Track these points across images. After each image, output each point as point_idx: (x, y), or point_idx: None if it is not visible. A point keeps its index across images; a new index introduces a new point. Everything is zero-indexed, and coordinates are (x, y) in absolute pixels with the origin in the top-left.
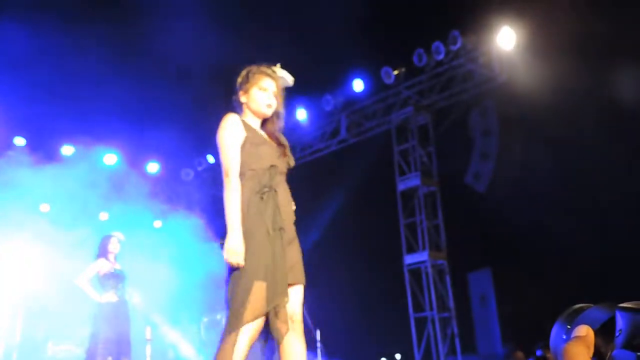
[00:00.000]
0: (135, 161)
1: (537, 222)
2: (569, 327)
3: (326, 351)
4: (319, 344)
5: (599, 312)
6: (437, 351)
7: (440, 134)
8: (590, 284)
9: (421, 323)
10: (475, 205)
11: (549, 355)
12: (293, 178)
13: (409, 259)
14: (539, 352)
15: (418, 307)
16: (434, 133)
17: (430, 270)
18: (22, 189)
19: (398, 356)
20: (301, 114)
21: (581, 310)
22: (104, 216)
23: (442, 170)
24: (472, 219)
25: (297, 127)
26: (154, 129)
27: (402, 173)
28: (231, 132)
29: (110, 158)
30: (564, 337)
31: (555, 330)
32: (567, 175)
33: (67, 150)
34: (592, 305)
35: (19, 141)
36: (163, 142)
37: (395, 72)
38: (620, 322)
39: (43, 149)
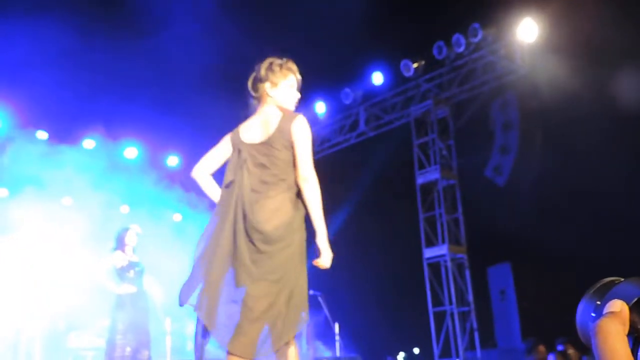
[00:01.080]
0: (155, 154)
1: (558, 215)
2: (598, 303)
3: (344, 345)
4: (337, 338)
5: (632, 287)
6: (456, 345)
7: (460, 127)
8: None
9: (440, 317)
10: (495, 199)
11: (570, 351)
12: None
13: (428, 253)
14: (560, 347)
15: (437, 301)
16: (453, 126)
17: (449, 264)
18: (44, 181)
19: (417, 350)
20: (320, 107)
21: (611, 284)
22: (124, 209)
23: (461, 163)
24: (492, 212)
25: (316, 121)
26: (174, 122)
27: (422, 166)
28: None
29: (131, 151)
30: (594, 314)
31: (582, 307)
32: (589, 168)
33: (88, 143)
34: (621, 279)
35: (42, 135)
36: (183, 136)
37: (415, 65)
38: None
39: (65, 142)
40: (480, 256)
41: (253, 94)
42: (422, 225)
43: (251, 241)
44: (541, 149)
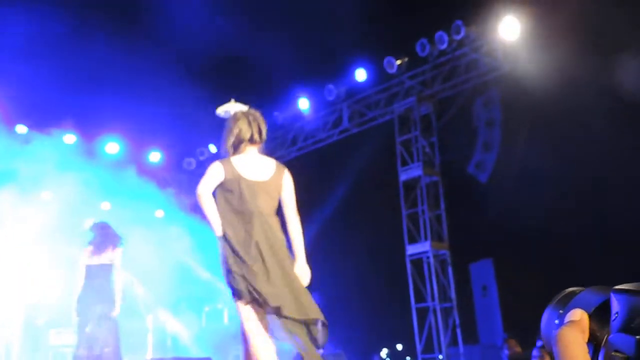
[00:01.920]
0: (137, 150)
1: (539, 212)
2: (561, 312)
3: (328, 341)
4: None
5: (592, 296)
6: (439, 341)
7: (443, 124)
8: (592, 274)
9: (423, 313)
10: (477, 196)
11: None
12: (295, 168)
13: (411, 249)
14: (540, 343)
15: (420, 298)
16: (436, 123)
17: (432, 260)
18: (23, 177)
19: (400, 346)
20: (303, 104)
21: (573, 294)
22: (105, 206)
23: (444, 160)
24: (474, 209)
25: (300, 117)
26: (156, 118)
27: (405, 163)
28: None
29: (112, 147)
30: (557, 322)
31: (546, 316)
32: (571, 166)
33: (69, 138)
34: (584, 288)
35: (21, 129)
36: (165, 131)
37: (398, 62)
38: (616, 305)
39: (45, 137)
40: (462, 252)
41: (260, 140)
42: (404, 221)
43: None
44: (524, 146)
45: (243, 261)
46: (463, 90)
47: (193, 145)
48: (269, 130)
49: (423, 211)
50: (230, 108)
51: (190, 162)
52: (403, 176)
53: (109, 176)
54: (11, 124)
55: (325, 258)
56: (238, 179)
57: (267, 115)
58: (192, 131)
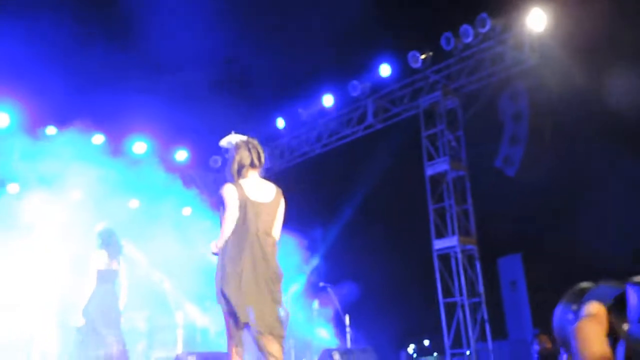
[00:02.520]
0: (164, 149)
1: (568, 206)
2: (574, 307)
3: (355, 336)
4: (348, 329)
5: (607, 289)
6: (467, 336)
7: (469, 118)
8: (621, 269)
9: (451, 308)
10: (505, 190)
11: None
12: (320, 165)
13: (438, 244)
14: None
15: (447, 293)
16: (462, 117)
17: (459, 255)
18: (52, 177)
19: (427, 342)
20: (327, 100)
21: (586, 289)
22: (134, 204)
23: (471, 154)
24: (502, 203)
25: (324, 114)
26: (183, 117)
27: (431, 158)
28: None
29: (140, 146)
30: (571, 317)
31: (559, 312)
32: (599, 159)
33: (97, 139)
34: (595, 284)
35: (50, 130)
36: (191, 130)
37: (423, 56)
38: (634, 297)
39: (74, 138)
40: (490, 247)
41: (260, 165)
42: (431, 216)
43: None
44: (552, 139)
45: (228, 278)
46: (489, 84)
47: (219, 143)
48: (294, 127)
49: (450, 206)
50: (232, 139)
51: (217, 160)
52: (429, 171)
53: (136, 175)
54: (41, 125)
55: (351, 255)
56: (245, 200)
57: (291, 113)
58: (218, 130)
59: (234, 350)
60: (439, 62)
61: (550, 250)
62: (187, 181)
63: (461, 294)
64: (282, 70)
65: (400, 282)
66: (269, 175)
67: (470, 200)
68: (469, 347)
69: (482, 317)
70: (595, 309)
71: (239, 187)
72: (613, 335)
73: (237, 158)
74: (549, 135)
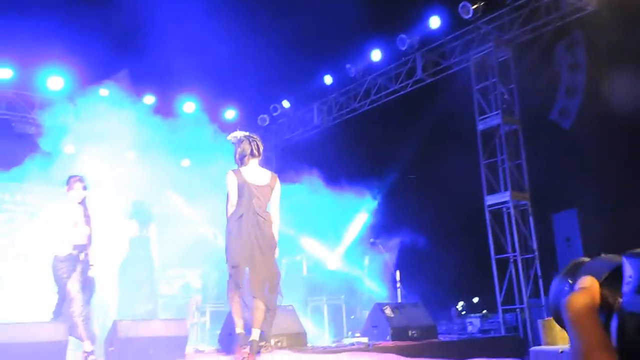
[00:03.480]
0: (213, 108)
1: (626, 159)
2: (570, 281)
3: (405, 292)
4: (398, 285)
5: (603, 263)
6: (520, 293)
7: (522, 69)
8: None
9: (503, 265)
10: (560, 144)
11: None
12: (369, 121)
13: (490, 200)
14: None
15: (499, 249)
16: (515, 69)
17: (512, 211)
18: (108, 138)
19: (476, 299)
20: (376, 55)
21: (582, 263)
22: (185, 163)
23: (524, 107)
24: (557, 157)
25: (372, 69)
26: (232, 76)
27: (482, 112)
28: None
29: (189, 106)
30: (566, 290)
31: (555, 286)
32: None
33: (148, 99)
34: (593, 258)
35: (104, 92)
36: (240, 89)
37: (474, 7)
38: (629, 269)
39: (126, 99)
40: (544, 202)
41: (259, 155)
42: (483, 172)
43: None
44: (609, 91)
45: (232, 244)
46: (543, 34)
47: (266, 101)
48: (341, 84)
49: (502, 161)
50: (237, 134)
51: (265, 119)
52: (481, 125)
53: (187, 134)
54: (94, 87)
55: (401, 211)
56: (244, 183)
57: (339, 69)
58: (265, 88)
59: (233, 293)
60: (491, 12)
61: (607, 206)
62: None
63: (514, 250)
64: (330, 26)
65: (451, 239)
66: (318, 132)
67: (523, 155)
68: (521, 303)
69: (536, 273)
70: (588, 282)
71: (239, 174)
72: (606, 310)
73: (240, 150)
74: (607, 86)
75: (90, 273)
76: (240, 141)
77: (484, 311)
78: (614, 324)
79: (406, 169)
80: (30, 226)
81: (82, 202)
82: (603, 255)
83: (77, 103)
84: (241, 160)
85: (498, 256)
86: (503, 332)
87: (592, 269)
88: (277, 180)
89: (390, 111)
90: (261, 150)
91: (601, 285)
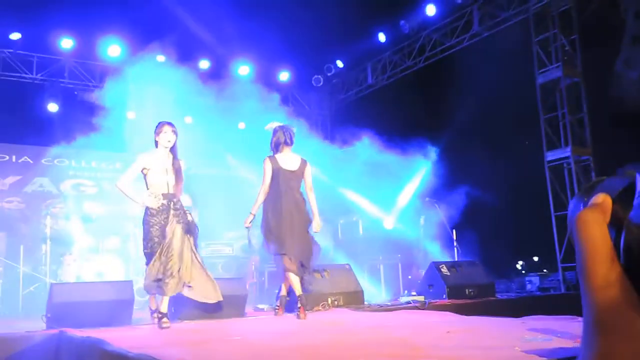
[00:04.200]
0: (267, 71)
1: None
2: (586, 199)
3: (463, 251)
4: (455, 244)
5: (617, 180)
6: None
7: (584, 19)
8: None
9: (563, 222)
10: (625, 96)
11: None
12: (425, 78)
13: (550, 156)
14: None
15: (560, 206)
16: (577, 19)
17: (573, 166)
18: (165, 103)
19: (536, 258)
20: (430, 10)
21: (600, 181)
22: (241, 125)
23: (587, 59)
24: (622, 110)
25: (426, 24)
26: (284, 38)
27: (542, 65)
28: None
29: (244, 69)
30: (581, 208)
31: (572, 205)
32: None
33: (203, 64)
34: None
35: (160, 58)
36: (293, 51)
37: None
38: None
39: (181, 63)
40: (607, 158)
41: (291, 143)
42: (542, 127)
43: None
44: None
45: (271, 221)
46: None
47: (320, 62)
48: (395, 42)
49: (563, 115)
50: (272, 125)
51: (319, 79)
52: (540, 79)
53: (242, 97)
54: (152, 53)
55: (459, 169)
56: (279, 169)
57: (393, 25)
58: (318, 49)
59: (285, 258)
60: None
61: None
62: (290, 101)
63: None
64: None
65: (510, 197)
66: (372, 92)
67: (585, 109)
68: None
69: None
70: (600, 199)
71: (274, 160)
72: (616, 226)
73: (274, 139)
74: None
75: (190, 217)
76: (275, 131)
77: (544, 270)
78: (622, 240)
79: (464, 127)
80: (97, 191)
81: (173, 149)
82: (621, 170)
83: (135, 70)
84: (277, 147)
85: (558, 213)
86: (563, 290)
87: (607, 186)
88: (308, 164)
89: (446, 68)
90: (294, 139)
91: (614, 201)
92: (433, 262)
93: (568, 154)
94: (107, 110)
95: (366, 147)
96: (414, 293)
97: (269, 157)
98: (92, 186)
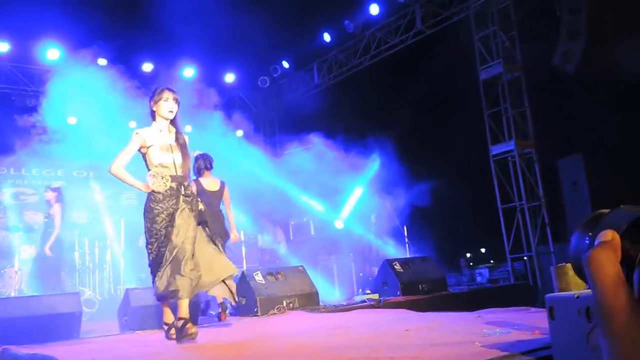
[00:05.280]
0: (212, 73)
1: (631, 102)
2: (591, 234)
3: (414, 247)
4: (406, 241)
5: (623, 214)
6: (528, 241)
7: (523, 16)
8: None
9: (510, 214)
10: (563, 89)
11: None
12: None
13: (495, 150)
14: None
15: (506, 198)
16: (516, 16)
17: (517, 159)
18: (106, 107)
19: (483, 250)
20: (374, 9)
21: (602, 215)
22: (188, 129)
23: (526, 54)
24: (561, 103)
25: (371, 23)
26: (229, 39)
27: (484, 61)
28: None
29: (189, 72)
30: (587, 244)
31: (575, 239)
32: None
33: (147, 67)
34: (614, 209)
35: (102, 61)
36: (238, 52)
37: None
38: None
39: (123, 67)
40: (549, 150)
41: (211, 168)
42: (486, 121)
43: None
44: (614, 33)
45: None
46: None
47: (266, 63)
48: (341, 40)
49: (506, 109)
50: (195, 153)
51: (265, 80)
52: (483, 75)
53: (188, 101)
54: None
55: (407, 165)
56: (203, 190)
57: (337, 25)
58: (264, 50)
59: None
60: None
61: (613, 149)
62: (237, 103)
63: (520, 199)
64: None
65: (458, 191)
66: (319, 92)
67: (527, 103)
68: (529, 252)
69: (543, 221)
70: (609, 236)
71: (199, 183)
72: (627, 263)
73: (197, 165)
74: (611, 29)
75: (202, 205)
76: (197, 158)
77: (492, 261)
78: (636, 277)
79: (410, 123)
80: (38, 199)
81: (175, 121)
82: (622, 206)
83: (75, 74)
84: (199, 172)
85: (505, 205)
86: (512, 281)
87: (612, 221)
88: (226, 186)
89: (391, 66)
90: (213, 164)
91: (622, 237)
92: (386, 259)
93: (512, 147)
94: (46, 115)
95: (315, 147)
96: (368, 291)
97: (194, 180)
98: (32, 194)
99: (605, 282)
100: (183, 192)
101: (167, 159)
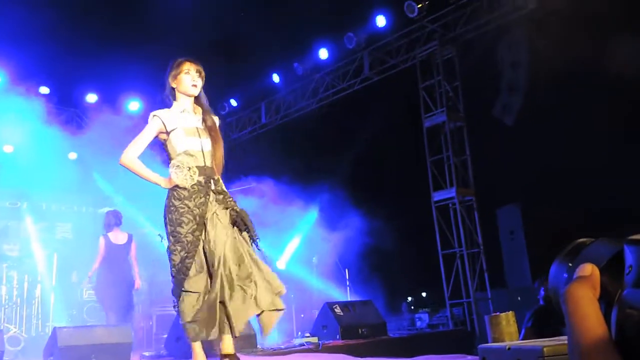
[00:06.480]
0: (159, 107)
1: (567, 155)
2: (570, 265)
3: (355, 290)
4: (347, 284)
5: (603, 248)
6: (467, 287)
7: (466, 67)
8: (621, 217)
9: (450, 260)
10: (503, 140)
11: None
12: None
13: (437, 196)
14: (542, 292)
15: (446, 244)
16: (460, 67)
17: (458, 206)
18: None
19: (424, 294)
20: (323, 54)
21: (583, 245)
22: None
23: (469, 105)
24: (500, 153)
25: (319, 68)
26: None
27: (428, 110)
28: None
29: (134, 105)
30: (566, 276)
31: (554, 270)
32: (600, 108)
33: (91, 97)
34: (594, 239)
35: (44, 90)
36: (144, 81)
37: (419, 6)
38: (630, 258)
39: (67, 99)
40: (489, 198)
41: (120, 224)
42: (429, 168)
43: None
44: (551, 88)
45: (106, 283)
46: (486, 32)
47: (214, 100)
48: (289, 82)
49: (448, 157)
50: (104, 210)
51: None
52: (427, 123)
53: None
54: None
55: (350, 209)
56: (111, 245)
57: (287, 67)
58: (213, 87)
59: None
60: (436, 12)
61: (549, 200)
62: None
63: (460, 245)
64: (277, 25)
65: (399, 235)
66: (267, 130)
67: (468, 151)
68: (468, 297)
69: (481, 267)
70: (588, 270)
71: (107, 238)
72: (606, 300)
73: (107, 221)
74: (548, 84)
75: (237, 207)
76: (107, 215)
77: (431, 305)
78: (613, 316)
79: (355, 167)
80: None
81: (200, 99)
82: (603, 238)
83: (14, 101)
84: (109, 227)
85: (445, 251)
86: (451, 326)
87: (592, 254)
88: (134, 239)
89: (338, 109)
90: (122, 220)
91: (601, 272)
92: (326, 302)
93: (453, 194)
94: None
95: (257, 187)
96: (307, 334)
97: (103, 235)
98: None
99: (584, 322)
100: (213, 188)
101: (194, 145)
